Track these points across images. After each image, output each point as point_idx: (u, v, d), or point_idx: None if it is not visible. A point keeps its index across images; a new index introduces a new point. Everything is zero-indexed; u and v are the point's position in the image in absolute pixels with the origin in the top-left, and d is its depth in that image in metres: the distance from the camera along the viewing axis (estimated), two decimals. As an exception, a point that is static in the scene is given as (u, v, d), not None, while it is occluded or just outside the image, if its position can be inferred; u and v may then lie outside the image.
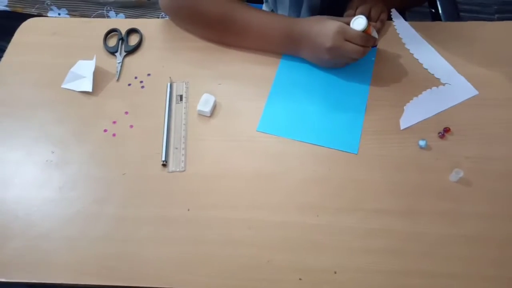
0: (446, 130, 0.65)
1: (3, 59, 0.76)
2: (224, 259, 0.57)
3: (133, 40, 0.77)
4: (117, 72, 0.73)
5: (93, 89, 0.71)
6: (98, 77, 0.73)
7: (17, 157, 0.66)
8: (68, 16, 1.24)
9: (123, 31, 0.78)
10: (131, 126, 0.68)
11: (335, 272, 0.55)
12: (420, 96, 0.69)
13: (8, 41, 0.78)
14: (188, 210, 0.60)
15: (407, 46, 0.75)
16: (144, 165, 0.64)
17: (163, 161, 0.64)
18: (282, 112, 0.68)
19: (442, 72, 0.71)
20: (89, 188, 0.62)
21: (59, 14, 1.21)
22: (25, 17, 0.83)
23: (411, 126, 0.66)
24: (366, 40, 0.65)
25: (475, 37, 0.75)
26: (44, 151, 0.66)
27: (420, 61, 0.73)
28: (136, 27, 0.78)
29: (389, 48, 0.74)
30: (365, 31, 0.64)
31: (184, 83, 0.72)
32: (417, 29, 0.77)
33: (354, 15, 0.69)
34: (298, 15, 0.83)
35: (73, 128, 0.68)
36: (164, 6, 0.74)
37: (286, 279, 0.55)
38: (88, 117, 0.69)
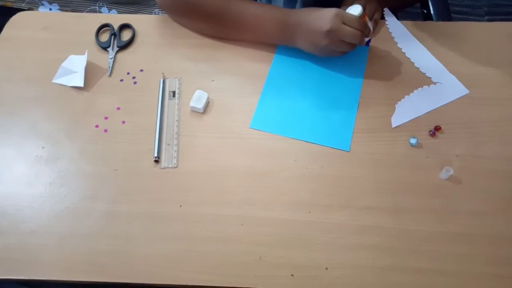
0: (437, 128, 0.66)
1: (-8, 53, 0.75)
2: (216, 255, 0.57)
3: (126, 35, 0.77)
4: (109, 67, 0.73)
5: (84, 84, 0.70)
6: (90, 72, 0.72)
7: (6, 152, 0.65)
8: (59, 11, 1.22)
9: (116, 27, 0.77)
10: (123, 122, 0.67)
11: (327, 268, 0.56)
12: (411, 94, 0.70)
13: (-2, 36, 0.77)
14: (180, 206, 0.60)
15: (399, 45, 0.75)
16: (136, 161, 0.64)
17: (156, 157, 0.63)
18: (275, 109, 0.68)
19: (433, 71, 0.72)
20: (80, 184, 0.62)
21: (50, 9, 1.20)
22: (15, 11, 0.82)
23: (402, 124, 0.67)
24: (364, 25, 0.65)
25: (467, 37, 0.76)
26: (34, 146, 0.65)
27: (412, 60, 0.73)
28: (128, 22, 0.78)
29: (381, 47, 0.75)
30: (361, 17, 0.65)
31: (177, 79, 0.72)
32: (409, 28, 0.77)
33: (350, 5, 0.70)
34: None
35: (64, 124, 0.67)
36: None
37: (278, 275, 0.55)
38: (80, 113, 0.68)
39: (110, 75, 0.72)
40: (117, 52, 0.75)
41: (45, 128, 0.67)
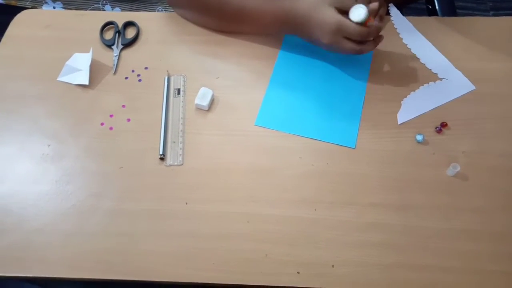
0: (443, 125, 0.65)
1: (-3, 52, 0.75)
2: (221, 253, 0.57)
3: (130, 33, 0.77)
4: (114, 65, 0.73)
5: (89, 82, 0.70)
6: (95, 70, 0.72)
7: (12, 151, 0.65)
8: (63, 9, 1.22)
9: (120, 24, 0.77)
10: (128, 120, 0.67)
11: (333, 266, 0.56)
12: (417, 91, 0.69)
13: (2, 34, 0.77)
14: (186, 204, 0.60)
15: (404, 41, 0.75)
16: (141, 159, 0.64)
17: (161, 155, 0.63)
18: (280, 106, 0.68)
19: (439, 67, 0.72)
20: (86, 181, 0.62)
21: (54, 7, 1.20)
22: (19, 10, 0.81)
23: (408, 120, 0.66)
24: (366, 35, 0.63)
25: (473, 32, 0.76)
26: (40, 144, 0.65)
27: (418, 56, 0.73)
28: (133, 20, 0.78)
29: (386, 43, 0.74)
30: (365, 21, 0.62)
31: (181, 77, 0.71)
32: (414, 24, 0.77)
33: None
34: None
35: (70, 122, 0.67)
36: None
37: (284, 272, 0.55)
38: (85, 111, 0.68)
39: (114, 73, 0.72)
40: (121, 49, 0.75)
41: (51, 126, 0.67)
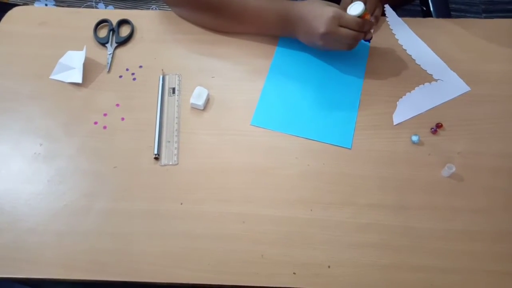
0: (439, 125, 0.66)
1: (-12, 49, 0.74)
2: (217, 253, 0.56)
3: (124, 31, 0.76)
4: (107, 63, 0.72)
5: (83, 80, 0.69)
6: (88, 68, 0.71)
7: (3, 149, 0.64)
8: (55, 7, 1.21)
9: (114, 22, 0.76)
10: (123, 119, 0.66)
11: (329, 266, 0.55)
12: (413, 92, 0.69)
13: (-6, 31, 0.76)
14: (181, 204, 0.59)
15: (400, 42, 0.75)
16: (136, 159, 0.63)
17: (156, 155, 0.63)
18: (276, 106, 0.68)
19: (434, 68, 0.72)
20: (79, 181, 0.61)
21: (46, 4, 1.18)
22: (10, 6, 0.80)
23: (404, 121, 0.67)
24: (362, 25, 0.64)
25: (467, 34, 0.76)
26: (32, 143, 0.64)
27: (413, 57, 0.73)
28: (127, 18, 0.77)
29: (382, 44, 0.75)
30: (361, 16, 0.64)
31: (176, 76, 0.71)
32: (410, 25, 0.77)
33: (351, 2, 0.69)
34: None
35: (63, 120, 0.66)
36: None
37: (280, 273, 0.55)
38: (78, 109, 0.67)
39: (108, 71, 0.71)
40: (115, 48, 0.74)
41: (43, 125, 0.66)
